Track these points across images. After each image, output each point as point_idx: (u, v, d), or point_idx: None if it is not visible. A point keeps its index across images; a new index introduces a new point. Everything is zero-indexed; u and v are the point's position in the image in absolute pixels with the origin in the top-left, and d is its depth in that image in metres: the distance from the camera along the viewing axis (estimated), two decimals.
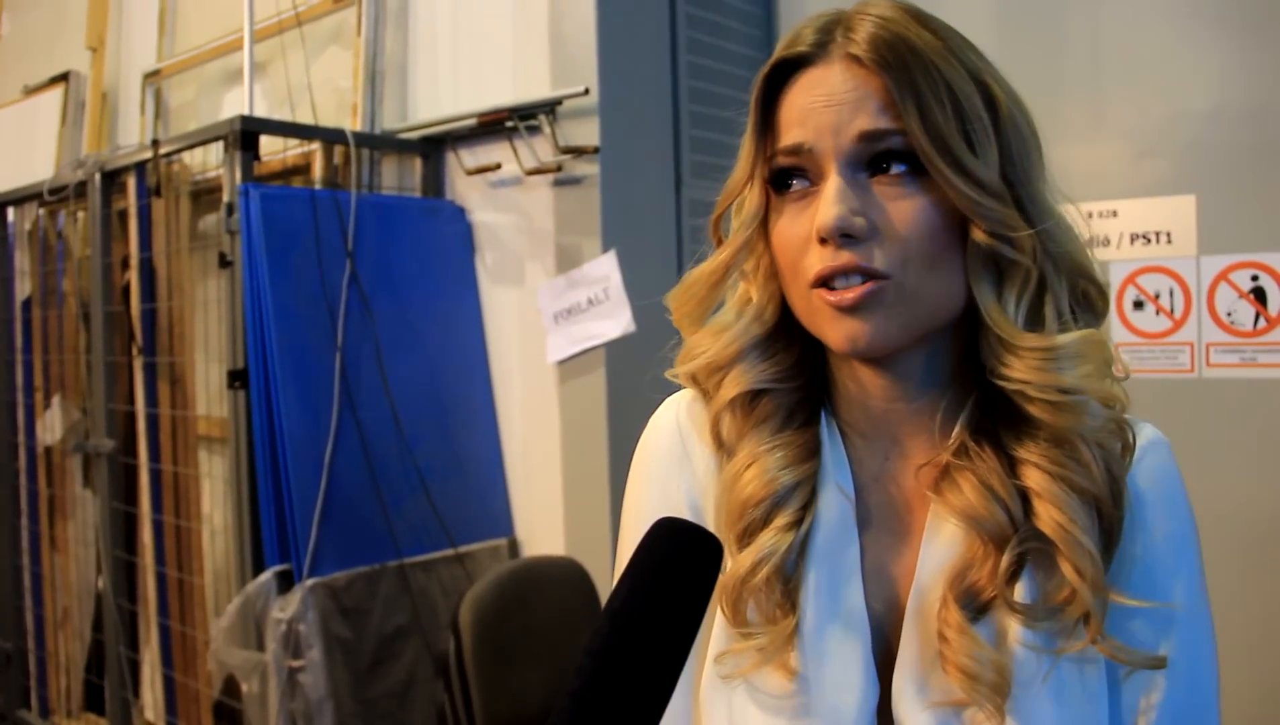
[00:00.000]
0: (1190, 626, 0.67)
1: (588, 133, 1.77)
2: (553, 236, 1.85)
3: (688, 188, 1.90)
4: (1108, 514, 0.63)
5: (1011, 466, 0.64)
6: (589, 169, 1.78)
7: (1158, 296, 1.60)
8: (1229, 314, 1.55)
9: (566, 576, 1.58)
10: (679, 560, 0.47)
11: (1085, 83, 1.68)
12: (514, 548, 1.96)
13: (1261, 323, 1.53)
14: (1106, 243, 1.64)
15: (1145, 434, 0.69)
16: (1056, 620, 0.62)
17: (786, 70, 0.65)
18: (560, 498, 1.86)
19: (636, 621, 0.45)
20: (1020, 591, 0.63)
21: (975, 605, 0.63)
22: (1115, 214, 1.63)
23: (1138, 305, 1.62)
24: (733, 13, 2.00)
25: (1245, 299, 1.54)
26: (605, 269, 1.73)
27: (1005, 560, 0.62)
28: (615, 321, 1.72)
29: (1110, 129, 1.65)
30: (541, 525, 1.93)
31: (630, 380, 1.76)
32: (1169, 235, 1.60)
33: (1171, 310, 1.60)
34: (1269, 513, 1.52)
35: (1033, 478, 0.63)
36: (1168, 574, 0.67)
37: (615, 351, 1.75)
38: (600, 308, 1.73)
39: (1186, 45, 1.59)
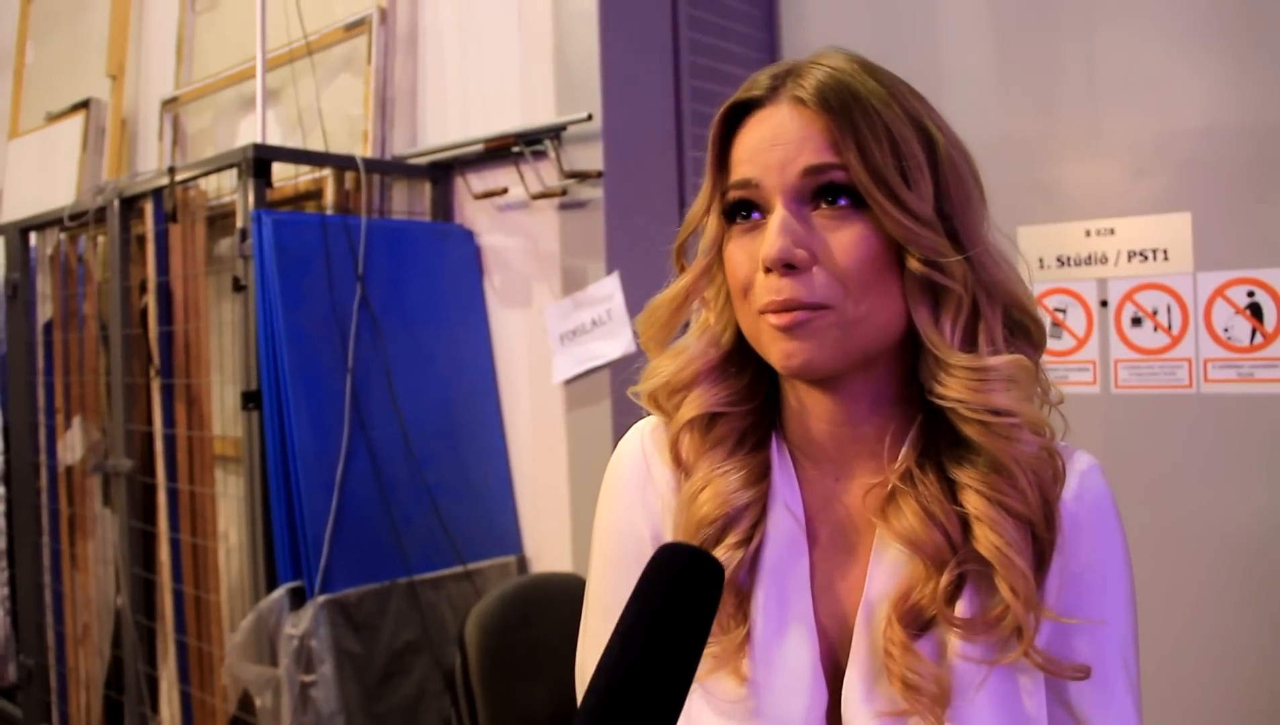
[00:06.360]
0: (1120, 641, 0.71)
1: (592, 157, 1.80)
2: (558, 259, 1.88)
3: (690, 211, 1.93)
4: (1041, 536, 0.67)
5: (953, 491, 0.68)
6: (593, 193, 1.81)
7: (1155, 313, 1.62)
8: (1226, 330, 1.56)
9: (570, 592, 1.59)
10: (683, 581, 0.50)
11: (1081, 102, 1.69)
12: (522, 565, 1.99)
13: (1258, 338, 1.54)
14: (1104, 260, 1.66)
15: (1080, 461, 0.73)
16: (992, 634, 0.66)
17: (740, 112, 0.70)
18: (568, 515, 1.88)
19: (646, 640, 0.47)
20: (960, 608, 0.66)
21: (918, 623, 0.66)
22: (1112, 232, 1.65)
23: (1136, 322, 1.64)
24: (736, 38, 2.03)
25: (1242, 315, 1.55)
26: (609, 290, 1.76)
27: (945, 580, 0.66)
28: (617, 342, 1.75)
29: (1106, 147, 1.67)
30: (549, 542, 1.96)
31: (635, 401, 1.79)
32: (1165, 252, 1.61)
33: (1169, 327, 1.61)
34: (1267, 527, 1.53)
35: (972, 502, 0.66)
36: (1099, 591, 0.71)
37: (621, 372, 1.78)
38: (603, 328, 1.76)
39: (1181, 64, 1.61)
